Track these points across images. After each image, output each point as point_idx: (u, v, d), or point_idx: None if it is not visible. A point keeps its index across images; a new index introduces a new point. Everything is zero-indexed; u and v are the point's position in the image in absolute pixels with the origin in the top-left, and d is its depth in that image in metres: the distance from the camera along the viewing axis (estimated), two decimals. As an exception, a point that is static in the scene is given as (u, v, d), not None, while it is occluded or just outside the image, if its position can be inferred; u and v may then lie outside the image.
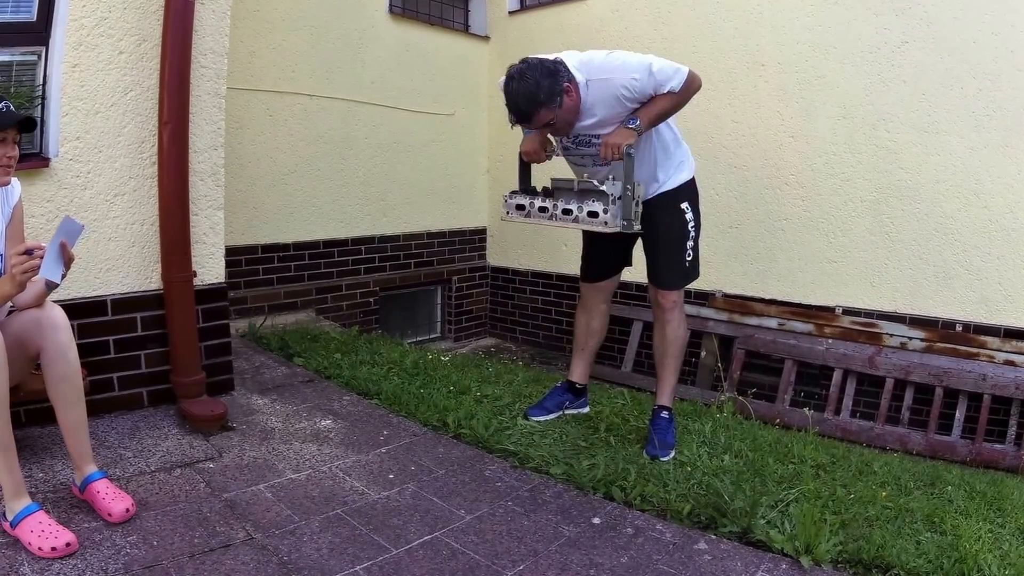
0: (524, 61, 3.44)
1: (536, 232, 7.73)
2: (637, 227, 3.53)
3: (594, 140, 3.64)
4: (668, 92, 3.44)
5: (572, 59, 3.53)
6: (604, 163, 3.59)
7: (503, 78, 3.51)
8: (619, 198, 3.42)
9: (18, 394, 2.88)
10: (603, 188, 3.45)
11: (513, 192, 3.82)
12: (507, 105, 3.48)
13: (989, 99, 5.34)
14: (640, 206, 3.55)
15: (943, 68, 5.49)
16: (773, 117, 6.29)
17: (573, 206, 3.53)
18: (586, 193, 3.56)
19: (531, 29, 7.99)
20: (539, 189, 3.83)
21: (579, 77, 3.47)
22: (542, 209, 3.66)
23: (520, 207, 3.74)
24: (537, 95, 3.34)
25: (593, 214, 3.47)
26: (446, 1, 8.17)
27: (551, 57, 3.48)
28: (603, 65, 3.49)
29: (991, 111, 5.34)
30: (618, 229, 3.47)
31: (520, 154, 3.82)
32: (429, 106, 7.70)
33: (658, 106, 3.49)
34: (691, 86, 3.50)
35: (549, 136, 3.76)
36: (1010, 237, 5.35)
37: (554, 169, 3.91)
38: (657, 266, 3.85)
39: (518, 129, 3.68)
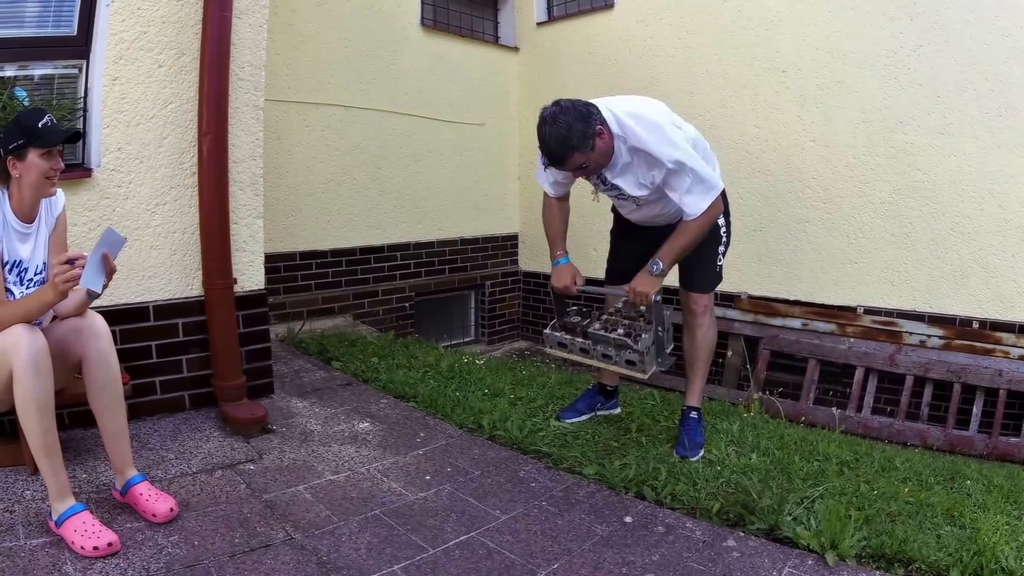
0: (556, 104, 3.24)
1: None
2: (668, 357, 3.54)
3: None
4: (691, 218, 3.33)
5: (617, 108, 3.32)
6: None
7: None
8: (652, 344, 3.42)
9: (62, 397, 2.85)
10: (637, 347, 3.40)
11: (553, 327, 3.76)
12: (540, 148, 3.30)
13: (1002, 100, 5.23)
14: (671, 332, 3.55)
15: (956, 70, 5.38)
16: (794, 122, 6.19)
17: (612, 353, 3.50)
18: (623, 347, 3.49)
19: (559, 39, 7.92)
20: (576, 316, 3.75)
21: (615, 130, 3.28)
22: (583, 350, 3.61)
23: (562, 344, 3.69)
24: (570, 139, 3.16)
25: (631, 363, 3.45)
26: (476, 13, 8.12)
27: (583, 101, 3.30)
28: (644, 137, 3.26)
29: (1003, 112, 5.23)
30: (654, 369, 3.47)
31: (551, 288, 3.73)
32: (460, 116, 7.64)
33: (679, 244, 3.38)
34: (712, 213, 3.37)
35: (587, 184, 3.63)
36: (1024, 235, 5.25)
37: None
38: (692, 271, 3.72)
39: None
